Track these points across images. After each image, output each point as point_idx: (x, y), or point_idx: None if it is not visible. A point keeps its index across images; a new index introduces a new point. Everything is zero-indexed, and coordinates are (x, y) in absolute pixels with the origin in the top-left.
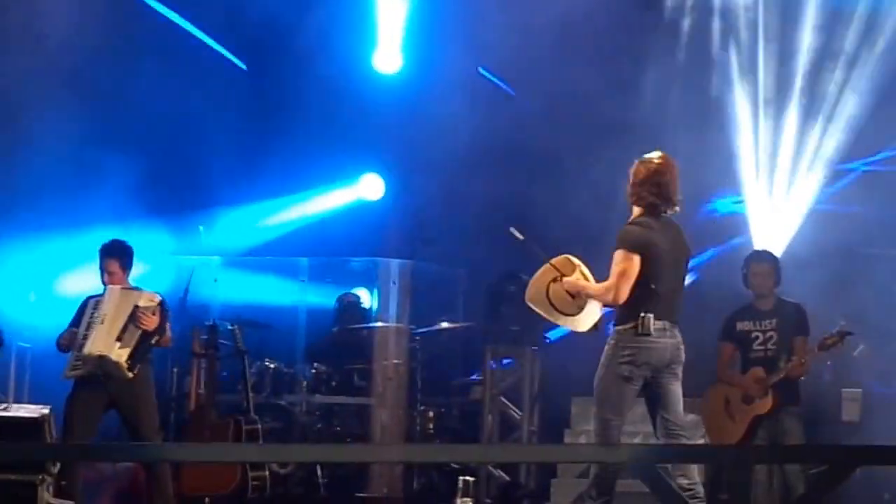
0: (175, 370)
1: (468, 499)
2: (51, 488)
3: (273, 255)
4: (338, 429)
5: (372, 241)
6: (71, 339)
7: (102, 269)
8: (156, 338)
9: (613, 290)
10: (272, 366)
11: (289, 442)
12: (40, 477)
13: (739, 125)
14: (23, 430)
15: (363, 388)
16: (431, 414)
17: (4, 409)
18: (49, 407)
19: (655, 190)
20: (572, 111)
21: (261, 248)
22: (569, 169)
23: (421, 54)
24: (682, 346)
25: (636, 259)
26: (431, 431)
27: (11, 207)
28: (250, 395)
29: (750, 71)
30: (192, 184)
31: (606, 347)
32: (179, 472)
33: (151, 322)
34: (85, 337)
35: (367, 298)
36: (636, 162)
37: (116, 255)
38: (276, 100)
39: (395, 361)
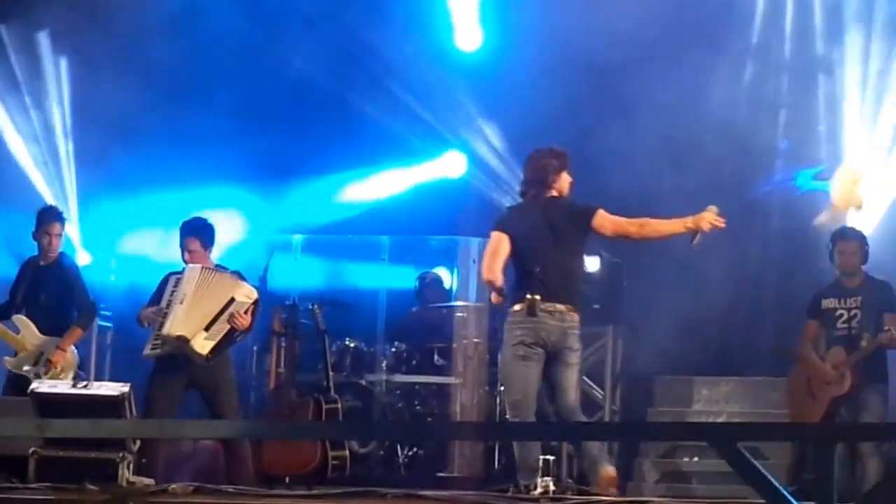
0: (255, 349)
1: (549, 478)
2: (131, 466)
3: (354, 234)
4: (418, 408)
5: (453, 219)
6: (151, 317)
7: (183, 247)
8: (242, 336)
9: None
10: (352, 345)
11: (368, 421)
12: (121, 455)
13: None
14: (103, 407)
15: (443, 368)
16: None
17: (84, 387)
18: (129, 385)
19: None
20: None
21: (341, 226)
22: (651, 146)
23: (500, 31)
24: (571, 333)
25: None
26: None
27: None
28: (330, 374)
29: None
30: (277, 157)
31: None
32: (259, 450)
33: (244, 322)
34: (164, 316)
35: (447, 277)
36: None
37: (197, 234)
38: (363, 74)
39: (476, 340)
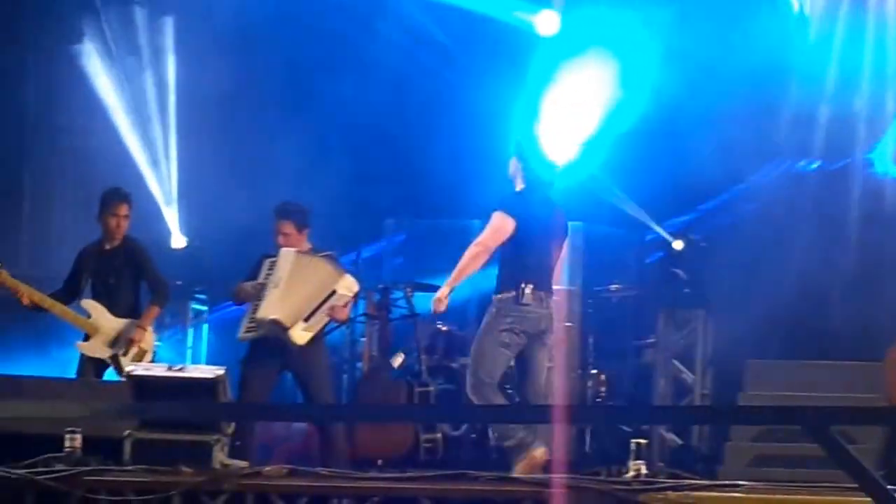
0: (348, 332)
1: (641, 462)
2: (225, 449)
3: (445, 218)
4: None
5: None
6: (248, 291)
7: (276, 231)
8: (338, 327)
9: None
10: (444, 328)
11: (460, 404)
12: (215, 437)
13: None
14: (197, 390)
15: None
16: (604, 377)
17: (180, 370)
18: (224, 368)
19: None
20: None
21: (432, 209)
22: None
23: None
24: (554, 318)
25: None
26: (604, 395)
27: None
28: (423, 357)
29: None
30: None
31: (487, 314)
32: (352, 433)
33: (344, 315)
34: (259, 299)
35: None
36: None
37: (291, 216)
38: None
39: (568, 324)
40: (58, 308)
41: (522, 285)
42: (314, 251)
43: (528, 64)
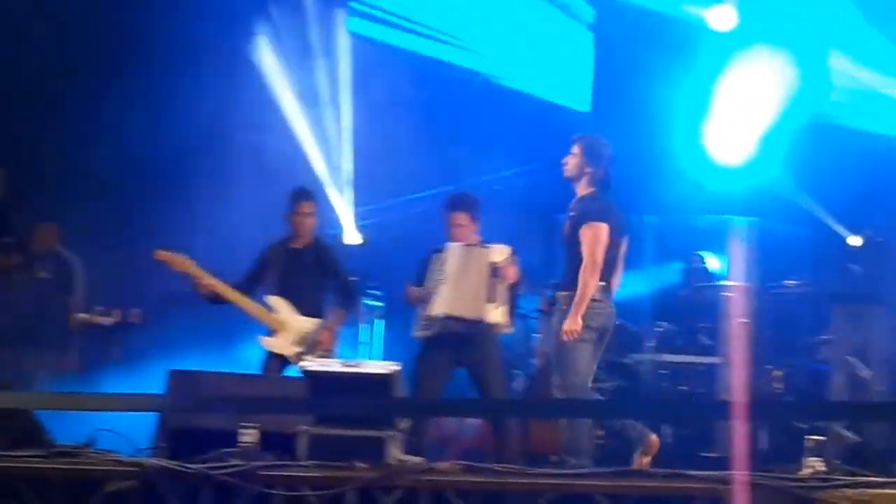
0: (523, 328)
1: (817, 458)
2: (400, 445)
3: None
4: (683, 388)
5: (720, 200)
6: (418, 296)
7: (449, 223)
8: (520, 288)
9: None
10: (618, 324)
11: (633, 400)
12: (389, 433)
13: None
14: (372, 386)
15: (709, 348)
16: (779, 373)
17: (356, 366)
18: (399, 364)
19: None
20: None
21: None
22: None
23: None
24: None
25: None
26: (779, 391)
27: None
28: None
29: None
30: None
31: (558, 315)
32: (526, 429)
33: (513, 273)
34: (430, 297)
35: (714, 257)
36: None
37: (464, 207)
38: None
39: (744, 320)
40: (241, 301)
41: (604, 283)
42: (482, 244)
43: (696, 58)
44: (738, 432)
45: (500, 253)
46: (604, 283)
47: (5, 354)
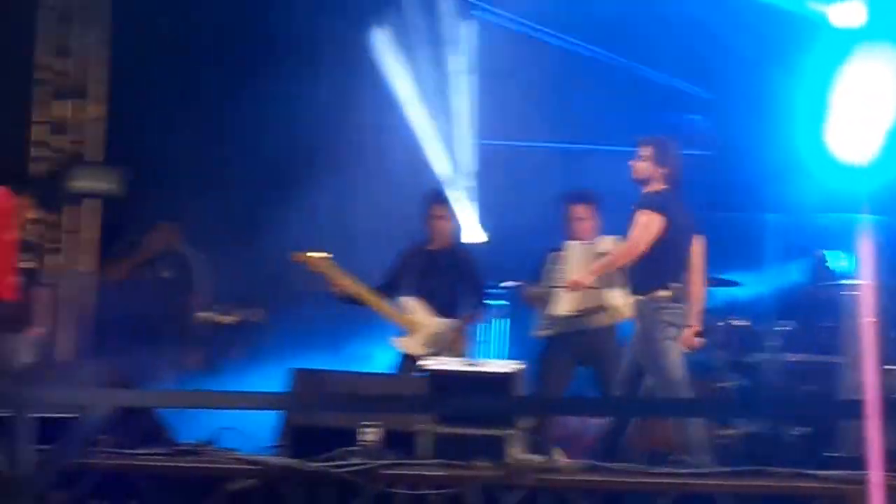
0: None
1: None
2: (521, 444)
3: (739, 212)
4: (807, 387)
5: (845, 198)
6: (535, 296)
7: (569, 217)
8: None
9: None
10: (740, 323)
11: (755, 400)
12: (511, 432)
13: None
14: (493, 385)
15: (833, 347)
16: None
17: (477, 365)
18: (523, 363)
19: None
20: None
21: (725, 203)
22: None
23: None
24: None
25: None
26: None
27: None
28: (718, 353)
29: None
30: None
31: (641, 319)
32: (648, 428)
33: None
34: (550, 297)
35: (838, 256)
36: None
37: (588, 199)
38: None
39: (867, 319)
40: (376, 303)
41: (673, 283)
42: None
43: (818, 55)
44: (870, 432)
45: (610, 242)
46: (679, 285)
47: (130, 354)
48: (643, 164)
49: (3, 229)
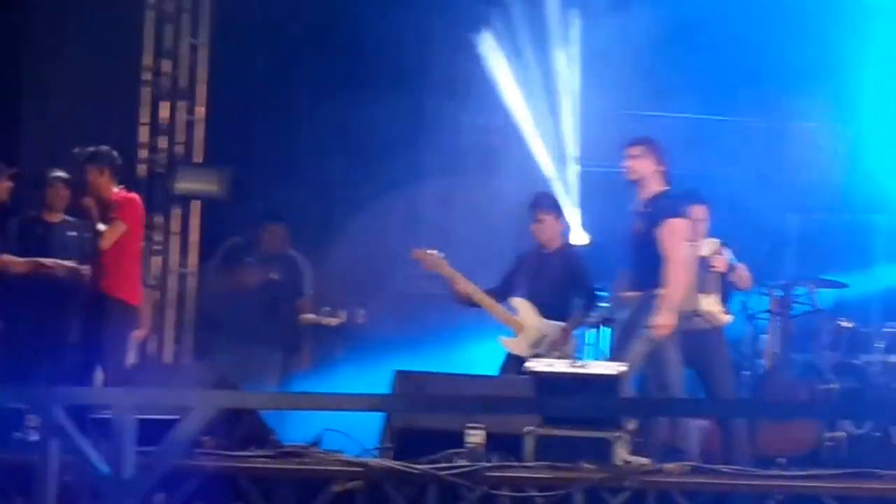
0: (750, 329)
1: None
2: (627, 445)
3: (848, 213)
4: None
5: None
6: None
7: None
8: (734, 279)
9: None
10: (847, 325)
11: (864, 402)
12: (617, 433)
13: None
14: (599, 386)
15: None
16: None
17: (582, 366)
18: (628, 364)
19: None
20: None
21: (835, 205)
22: None
23: None
24: None
25: None
26: None
27: None
28: (825, 354)
29: None
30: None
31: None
32: (755, 430)
33: (722, 263)
34: None
35: None
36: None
37: (702, 201)
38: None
39: None
40: (486, 302)
41: None
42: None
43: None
44: None
45: (708, 246)
46: None
47: (236, 355)
48: (642, 164)
49: (136, 238)
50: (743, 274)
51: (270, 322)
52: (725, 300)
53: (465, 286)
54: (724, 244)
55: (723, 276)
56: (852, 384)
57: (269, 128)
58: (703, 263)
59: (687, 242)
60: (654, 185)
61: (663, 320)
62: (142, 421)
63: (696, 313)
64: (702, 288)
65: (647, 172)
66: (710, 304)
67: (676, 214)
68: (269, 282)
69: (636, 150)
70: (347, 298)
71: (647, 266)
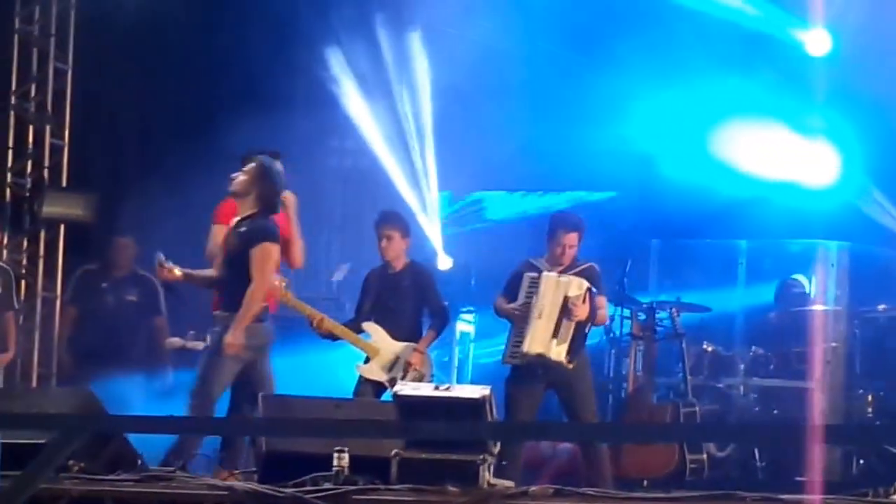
0: (613, 352)
1: None
2: (491, 468)
3: (711, 238)
4: (775, 412)
5: (810, 223)
6: (508, 313)
7: (557, 243)
8: (588, 324)
9: None
10: (710, 348)
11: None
12: (481, 457)
13: None
14: (463, 410)
15: (801, 372)
16: (870, 398)
17: (446, 390)
18: (489, 388)
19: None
20: None
21: (697, 228)
22: None
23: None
24: None
25: None
26: (870, 415)
27: None
28: (688, 377)
29: None
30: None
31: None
32: (618, 453)
33: (583, 312)
34: (523, 328)
35: (805, 282)
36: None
37: (578, 228)
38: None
39: (833, 344)
40: (339, 330)
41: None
42: (573, 267)
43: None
44: (831, 456)
45: (577, 287)
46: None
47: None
48: (244, 181)
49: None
50: (601, 314)
51: (131, 344)
52: (578, 346)
53: (322, 322)
54: (590, 288)
55: (579, 322)
56: (715, 407)
57: (133, 151)
58: (565, 305)
59: (556, 274)
60: (251, 210)
61: (232, 339)
62: (6, 445)
63: (543, 359)
64: (556, 332)
65: (246, 190)
66: (559, 353)
67: (269, 238)
68: (126, 303)
69: (248, 168)
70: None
71: (235, 285)
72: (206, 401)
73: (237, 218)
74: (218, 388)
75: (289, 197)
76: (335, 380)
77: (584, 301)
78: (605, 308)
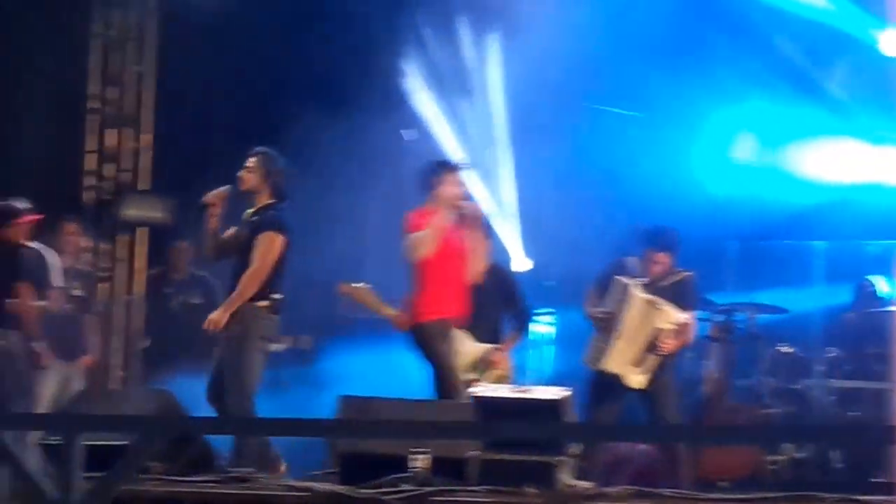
0: (691, 354)
1: None
2: (570, 470)
3: (789, 239)
4: (854, 413)
5: (888, 225)
6: (595, 321)
7: (646, 258)
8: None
9: None
10: (787, 350)
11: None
12: (560, 458)
13: None
14: (541, 411)
15: (880, 373)
16: None
17: (525, 391)
18: (570, 389)
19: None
20: None
21: (775, 230)
22: None
23: None
24: None
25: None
26: None
27: None
28: (765, 379)
29: None
30: None
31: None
32: (697, 454)
33: (672, 348)
34: (604, 343)
35: (884, 283)
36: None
37: (670, 248)
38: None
39: None
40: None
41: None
42: (674, 271)
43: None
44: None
45: (669, 321)
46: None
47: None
48: (251, 176)
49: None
50: (689, 338)
51: (202, 346)
52: (656, 376)
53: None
54: (685, 295)
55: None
56: (792, 408)
57: (214, 153)
58: (652, 335)
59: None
60: (263, 200)
61: (216, 316)
62: (90, 447)
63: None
64: (638, 361)
65: (256, 184)
66: (639, 382)
67: (276, 228)
68: (192, 307)
69: (251, 162)
70: (291, 324)
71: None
72: (246, 401)
73: (250, 210)
74: (254, 381)
75: (471, 206)
76: (414, 380)
77: (675, 336)
78: (694, 326)
